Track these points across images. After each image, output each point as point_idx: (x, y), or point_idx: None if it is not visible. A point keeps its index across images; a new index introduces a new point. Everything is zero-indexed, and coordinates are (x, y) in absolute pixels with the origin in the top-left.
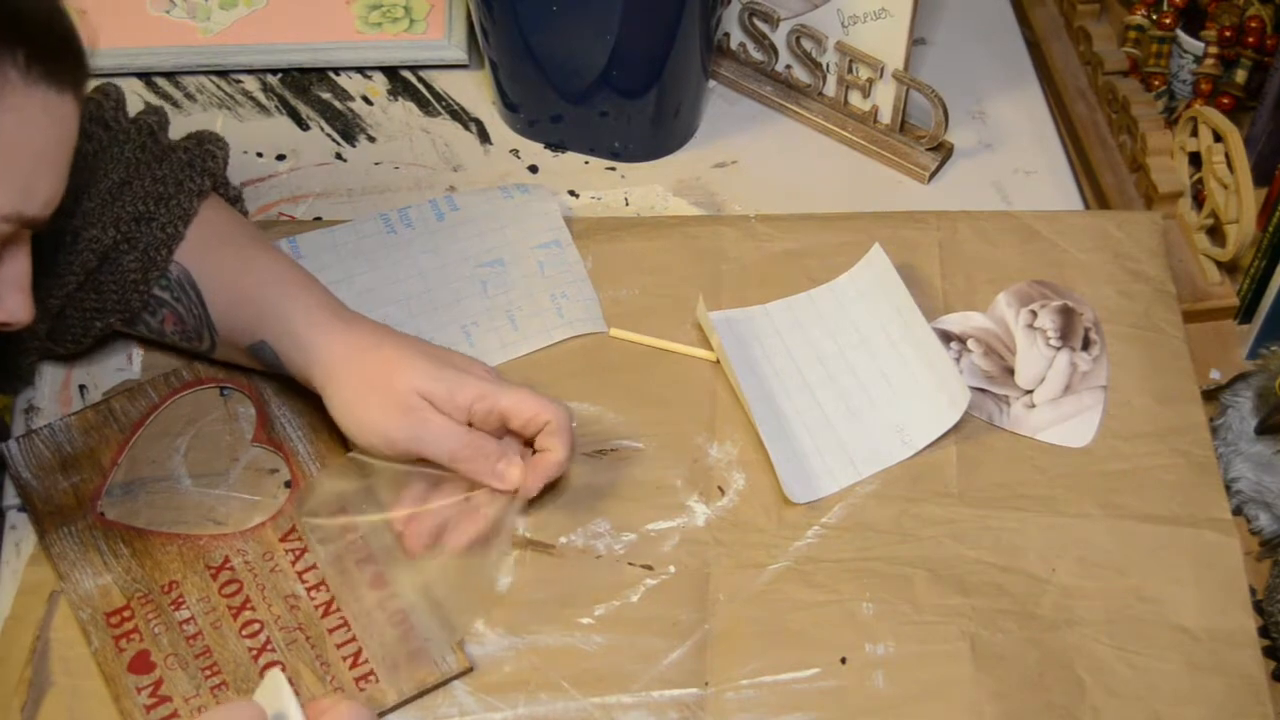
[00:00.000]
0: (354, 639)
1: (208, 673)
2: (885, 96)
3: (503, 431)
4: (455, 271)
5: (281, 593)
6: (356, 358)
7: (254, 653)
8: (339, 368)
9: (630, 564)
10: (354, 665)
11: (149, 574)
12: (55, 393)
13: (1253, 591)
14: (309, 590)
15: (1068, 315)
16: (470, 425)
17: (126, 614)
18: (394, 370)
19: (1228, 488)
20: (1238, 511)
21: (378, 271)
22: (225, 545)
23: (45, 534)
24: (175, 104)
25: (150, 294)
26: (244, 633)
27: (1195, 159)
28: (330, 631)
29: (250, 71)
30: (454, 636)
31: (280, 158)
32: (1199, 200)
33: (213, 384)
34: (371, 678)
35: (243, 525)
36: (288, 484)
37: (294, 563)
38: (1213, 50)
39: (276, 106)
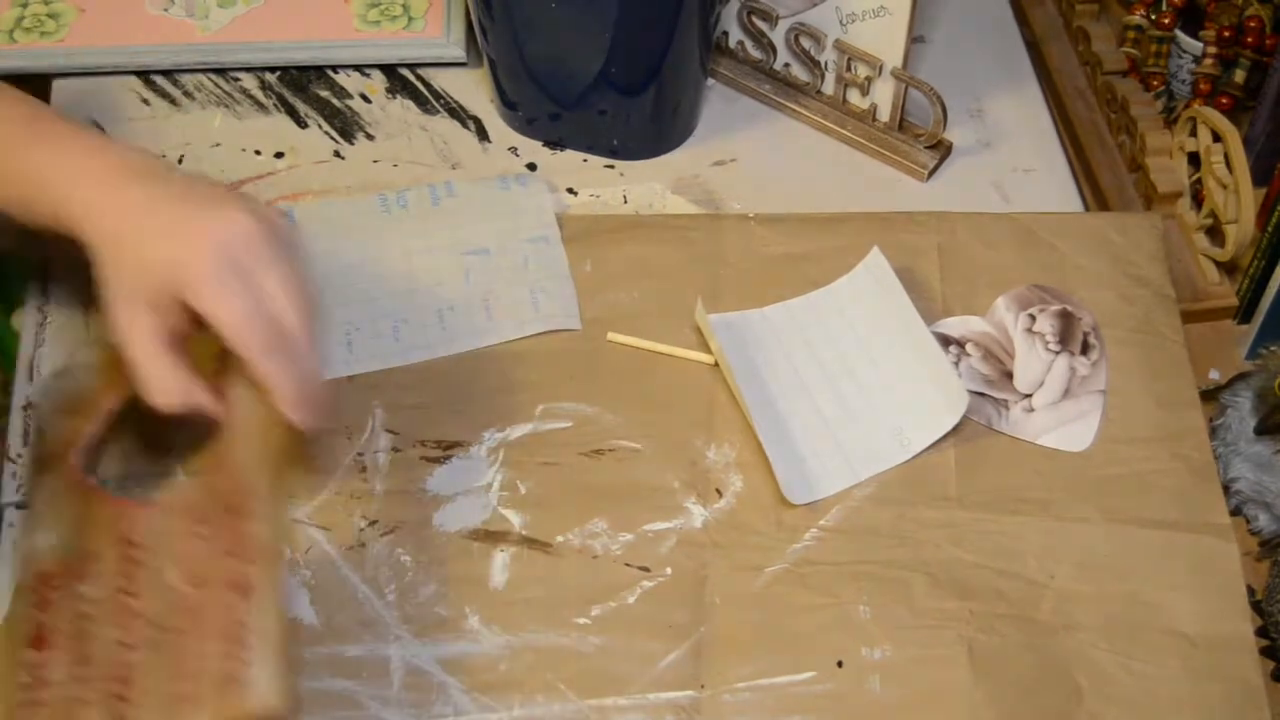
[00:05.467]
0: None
1: (78, 660)
2: (884, 95)
3: None
4: (441, 256)
5: (166, 581)
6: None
7: (121, 645)
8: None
9: (627, 565)
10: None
11: (84, 539)
12: None
13: (1251, 592)
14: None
15: (1067, 319)
16: None
17: (55, 583)
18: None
19: (1227, 488)
20: (1237, 511)
21: (365, 248)
22: (148, 518)
23: (30, 481)
24: (174, 102)
25: None
26: (116, 622)
27: (1194, 159)
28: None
29: (249, 69)
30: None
31: (279, 155)
32: (1198, 200)
33: None
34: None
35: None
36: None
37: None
38: (1211, 50)
39: (275, 104)
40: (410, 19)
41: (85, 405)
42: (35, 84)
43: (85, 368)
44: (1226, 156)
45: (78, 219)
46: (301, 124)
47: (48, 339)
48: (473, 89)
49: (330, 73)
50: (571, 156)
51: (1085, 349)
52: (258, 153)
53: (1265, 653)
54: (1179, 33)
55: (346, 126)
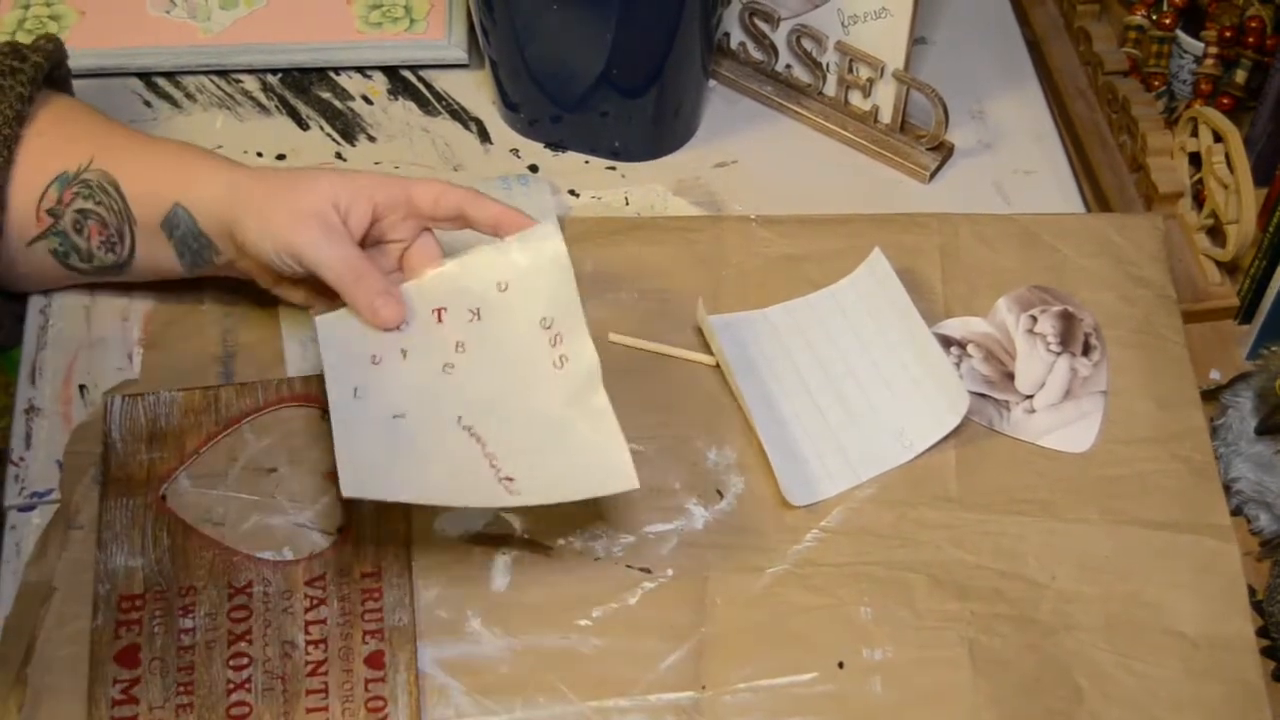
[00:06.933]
0: (326, 709)
1: (180, 689)
2: (885, 96)
3: (417, 230)
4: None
5: (282, 636)
6: (269, 178)
7: (231, 686)
8: (252, 190)
9: (628, 566)
10: None
11: (175, 571)
12: (56, 392)
13: (1252, 592)
14: (308, 644)
15: (1068, 320)
16: (376, 234)
17: (139, 603)
18: (306, 180)
19: (1228, 488)
20: (1238, 512)
21: None
22: (254, 569)
23: (105, 498)
24: (175, 104)
25: (76, 210)
26: (231, 663)
27: (1195, 159)
28: (307, 694)
29: (250, 71)
30: None
31: (280, 157)
32: (1199, 200)
33: (318, 406)
34: None
35: (279, 555)
36: (340, 529)
37: (307, 609)
38: (1213, 50)
39: (277, 106)
40: (412, 21)
41: (167, 438)
42: None
43: (168, 401)
44: (1227, 157)
45: None
46: (303, 126)
47: (49, 341)
48: (474, 91)
49: (332, 74)
50: (573, 158)
51: (1086, 350)
52: (259, 154)
53: (1266, 653)
54: (1180, 33)
55: (348, 128)
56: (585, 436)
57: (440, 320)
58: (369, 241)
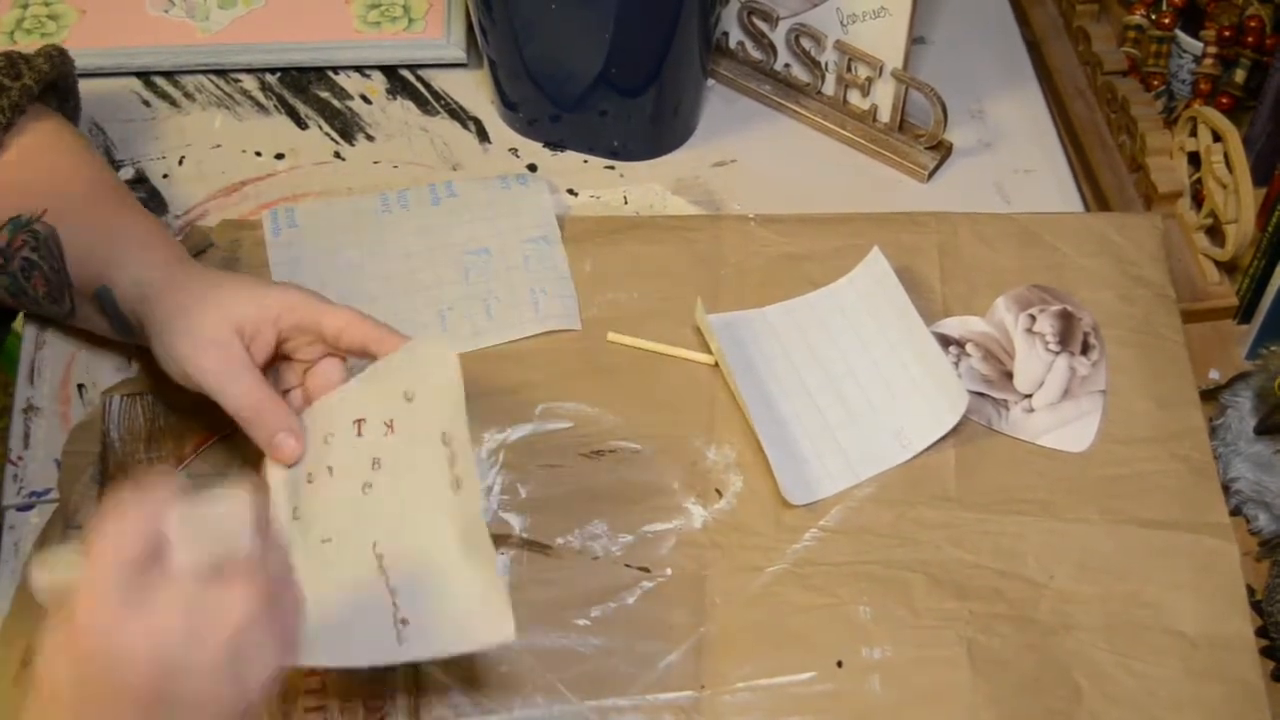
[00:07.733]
0: (323, 709)
1: None
2: (884, 95)
3: (323, 352)
4: (441, 256)
5: None
6: (181, 288)
7: None
8: (161, 299)
9: (627, 566)
10: None
11: None
12: (54, 391)
13: (1251, 592)
14: None
15: (1067, 320)
16: (283, 352)
17: None
18: (213, 299)
19: (1226, 488)
20: (1237, 511)
21: (366, 247)
22: None
23: (103, 498)
24: (174, 103)
25: (24, 257)
26: None
27: (1194, 159)
28: (305, 694)
29: (249, 71)
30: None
31: (279, 157)
32: (1198, 200)
33: None
34: None
35: None
36: None
37: None
38: (1211, 50)
39: (275, 105)
40: (410, 20)
41: (166, 438)
42: None
43: (167, 402)
44: (1226, 156)
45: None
46: (302, 125)
47: (48, 340)
48: (473, 90)
49: (330, 74)
50: (572, 157)
51: (1085, 349)
52: (258, 154)
53: (1265, 653)
54: (1179, 32)
55: (347, 128)
56: (473, 580)
57: (360, 433)
58: (277, 357)
